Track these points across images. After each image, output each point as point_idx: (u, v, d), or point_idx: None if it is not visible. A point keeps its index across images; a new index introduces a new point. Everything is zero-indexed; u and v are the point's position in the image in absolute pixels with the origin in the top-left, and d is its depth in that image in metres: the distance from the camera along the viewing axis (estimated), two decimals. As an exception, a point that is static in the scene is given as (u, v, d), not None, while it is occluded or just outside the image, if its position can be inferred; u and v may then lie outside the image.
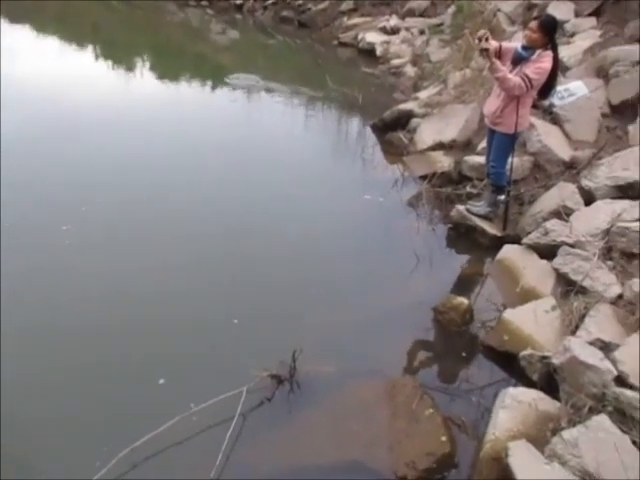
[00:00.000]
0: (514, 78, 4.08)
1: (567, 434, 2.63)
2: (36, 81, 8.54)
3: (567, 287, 3.73)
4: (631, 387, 2.85)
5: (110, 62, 10.71)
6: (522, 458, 2.58)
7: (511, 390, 2.98)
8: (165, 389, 3.13)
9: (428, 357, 3.63)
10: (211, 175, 5.84)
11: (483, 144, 5.46)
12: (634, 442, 2.58)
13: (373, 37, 11.69)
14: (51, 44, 11.87)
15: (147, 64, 10.89)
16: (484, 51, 3.99)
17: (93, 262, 4.21)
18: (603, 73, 5.84)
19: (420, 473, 2.73)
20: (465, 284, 4.35)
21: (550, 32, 4.04)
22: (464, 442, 2.95)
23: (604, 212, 4.06)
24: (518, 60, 4.17)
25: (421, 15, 11.72)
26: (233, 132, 7.13)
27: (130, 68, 10.38)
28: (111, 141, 6.48)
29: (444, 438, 2.88)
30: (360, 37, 11.97)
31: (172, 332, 3.59)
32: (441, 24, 10.56)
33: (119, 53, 11.56)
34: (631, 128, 5.07)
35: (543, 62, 4.06)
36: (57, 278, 4.02)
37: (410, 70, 9.67)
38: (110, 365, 3.29)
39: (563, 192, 4.48)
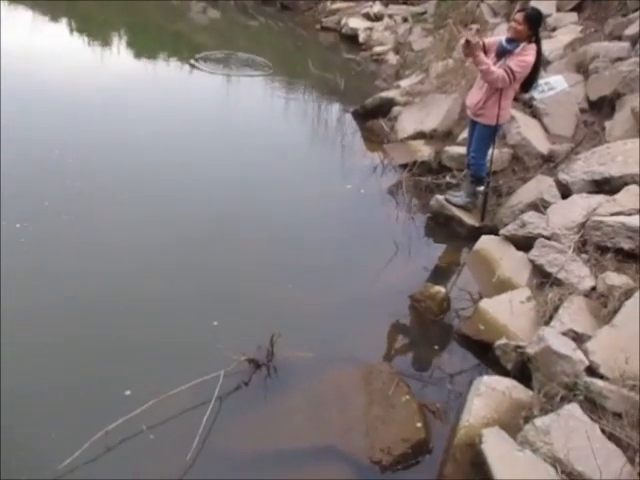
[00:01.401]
0: (498, 70, 4.10)
1: (539, 422, 2.68)
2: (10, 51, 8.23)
3: (542, 279, 3.79)
4: (601, 377, 2.92)
5: (85, 38, 10.39)
6: (495, 444, 2.63)
7: (486, 378, 3.03)
8: (140, 372, 3.10)
9: (405, 344, 3.66)
10: (185, 159, 5.72)
11: (464, 135, 5.48)
12: (603, 430, 2.65)
13: (356, 23, 11.59)
14: (26, 17, 11.45)
15: (123, 41, 10.60)
16: (467, 43, 3.98)
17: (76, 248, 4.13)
18: (583, 69, 5.92)
19: (395, 458, 2.77)
20: (442, 273, 4.39)
21: (535, 25, 4.07)
22: (439, 428, 2.99)
23: (580, 206, 4.13)
24: (502, 53, 4.18)
25: (405, 3, 11.66)
26: (208, 114, 7.02)
27: (106, 44, 10.09)
28: (81, 119, 6.32)
29: (419, 424, 2.92)
30: (343, 22, 11.86)
31: (149, 313, 3.55)
32: (424, 13, 10.53)
33: (95, 29, 11.21)
34: (608, 124, 5.15)
35: (527, 55, 4.08)
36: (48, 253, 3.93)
37: (392, 58, 9.64)
38: (86, 345, 3.24)
39: (541, 185, 4.54)
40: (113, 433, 2.64)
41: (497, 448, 2.61)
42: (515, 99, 4.75)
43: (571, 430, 2.61)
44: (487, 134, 4.43)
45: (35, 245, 4.05)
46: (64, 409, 2.86)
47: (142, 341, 3.33)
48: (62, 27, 10.95)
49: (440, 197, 4.92)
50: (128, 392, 2.95)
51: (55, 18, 11.28)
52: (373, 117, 6.90)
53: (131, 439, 2.69)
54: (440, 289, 3.84)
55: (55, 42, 9.73)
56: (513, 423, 2.83)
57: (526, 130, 5.30)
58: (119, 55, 9.55)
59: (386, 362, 3.41)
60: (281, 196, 5.19)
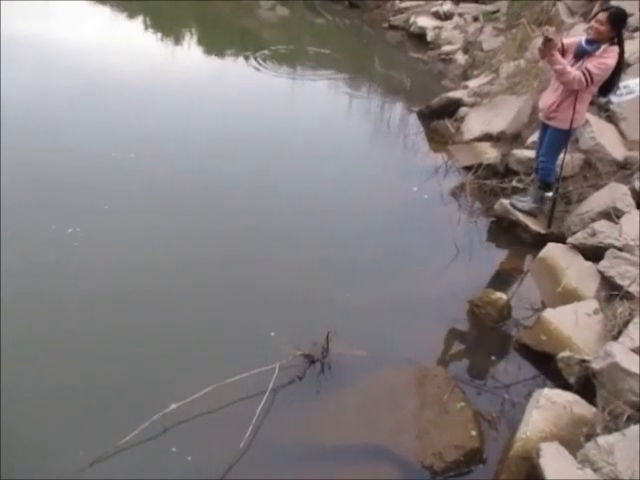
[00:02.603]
0: (574, 72, 3.93)
1: (602, 440, 2.56)
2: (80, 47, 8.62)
3: (612, 291, 3.62)
4: (673, 399, 2.76)
5: (158, 34, 10.74)
6: (554, 460, 2.53)
7: (546, 391, 2.92)
8: (200, 360, 3.19)
9: (461, 350, 3.59)
10: (247, 152, 5.81)
11: (533, 138, 5.32)
12: (672, 455, 2.50)
13: (425, 21, 11.40)
14: (104, 13, 11.96)
15: (194, 37, 10.88)
16: (548, 41, 3.83)
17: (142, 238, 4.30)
18: (666, 72, 5.59)
19: (447, 465, 2.72)
20: (504, 280, 4.27)
21: (619, 26, 3.87)
22: (493, 438, 2.92)
23: (657, 217, 3.91)
24: (581, 54, 4.01)
25: (476, 1, 11.34)
26: (270, 111, 7.07)
27: (177, 40, 10.40)
28: (147, 110, 6.54)
29: (474, 432, 2.85)
30: (411, 21, 11.69)
31: (210, 305, 3.64)
32: (496, 11, 10.22)
33: (167, 25, 11.56)
34: (691, 131, 4.85)
35: (608, 58, 3.89)
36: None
37: (461, 58, 9.42)
38: (145, 333, 3.37)
39: (614, 193, 4.33)
40: (171, 415, 2.73)
41: (555, 464, 2.51)
42: (590, 103, 4.54)
43: (637, 452, 2.48)
44: (559, 138, 4.27)
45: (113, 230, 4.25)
46: (128, 390, 2.98)
47: (202, 331, 3.42)
48: (137, 23, 11.36)
49: (505, 201, 4.78)
50: (189, 377, 3.03)
51: (132, 15, 11.71)
52: (438, 117, 6.78)
53: (187, 422, 2.77)
54: (501, 296, 3.73)
55: (130, 38, 10.11)
56: (573, 439, 2.72)
57: (600, 135, 5.06)
58: (189, 50, 9.82)
59: (441, 366, 3.35)
60: (340, 194, 5.19)
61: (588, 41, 3.99)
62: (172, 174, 5.15)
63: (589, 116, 5.05)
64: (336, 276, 4.04)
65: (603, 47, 3.92)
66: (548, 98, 4.27)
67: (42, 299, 3.55)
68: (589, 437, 2.66)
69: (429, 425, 2.91)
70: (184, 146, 5.76)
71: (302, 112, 7.31)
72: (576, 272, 3.93)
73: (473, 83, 7.44)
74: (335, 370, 3.23)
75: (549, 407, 2.84)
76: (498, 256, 4.56)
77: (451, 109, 6.76)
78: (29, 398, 2.88)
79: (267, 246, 4.28)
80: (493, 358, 3.49)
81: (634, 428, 2.58)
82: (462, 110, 6.63)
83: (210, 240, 4.28)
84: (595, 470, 2.48)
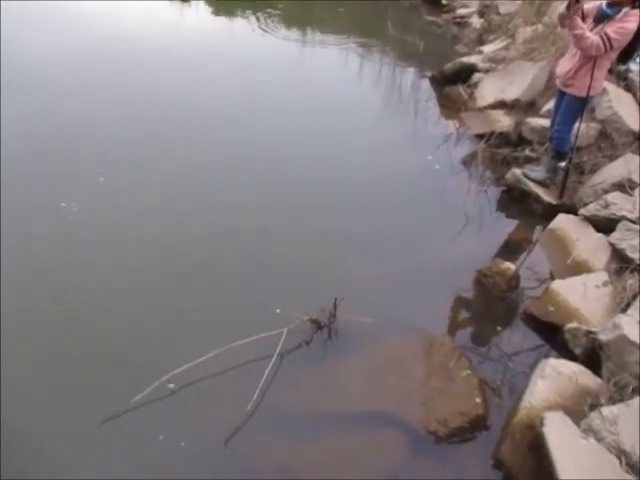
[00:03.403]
0: (592, 37, 3.82)
1: (606, 410, 2.58)
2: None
3: (622, 264, 3.59)
4: (679, 372, 2.76)
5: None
6: (557, 428, 2.56)
7: (552, 361, 2.94)
8: (210, 324, 3.22)
9: (468, 319, 3.60)
10: (254, 120, 5.71)
11: (548, 106, 5.21)
12: (676, 427, 2.52)
13: (440, -17, 11.05)
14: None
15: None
16: (576, 2, 3.70)
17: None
18: (689, 39, 5.41)
19: (451, 431, 2.76)
20: (513, 250, 4.24)
21: (641, -12, 3.74)
22: (498, 406, 2.95)
23: (672, 189, 3.85)
24: (601, 18, 3.88)
25: (493, -38, 10.99)
26: (280, 75, 6.95)
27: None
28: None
29: (478, 400, 2.88)
30: (426, -18, 11.35)
31: (221, 272, 3.66)
32: (514, -26, 9.89)
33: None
34: None
35: (628, 22, 3.77)
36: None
37: (476, 21, 9.16)
38: (159, 299, 3.39)
39: (629, 164, 4.25)
40: (180, 377, 2.77)
41: (559, 433, 2.54)
42: (609, 71, 4.42)
43: (641, 423, 2.50)
44: (575, 106, 4.17)
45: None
46: (139, 352, 3.03)
47: (211, 294, 3.45)
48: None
49: (517, 171, 4.72)
50: (198, 341, 3.05)
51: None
52: (451, 83, 6.65)
53: (196, 384, 2.82)
54: (510, 266, 3.71)
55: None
56: (577, 409, 2.74)
57: (618, 104, 4.95)
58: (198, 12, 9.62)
59: (448, 335, 3.36)
60: (349, 161, 5.13)
61: (609, 4, 3.86)
62: (175, 142, 5.10)
63: (607, 84, 4.93)
64: (345, 244, 4.03)
65: (624, 10, 3.79)
66: (565, 64, 4.16)
67: (56, 264, 3.58)
68: (593, 407, 2.68)
69: (435, 392, 2.94)
70: (186, 113, 5.68)
71: (311, 77, 7.17)
72: (587, 244, 3.90)
73: (488, 48, 7.27)
74: (342, 337, 3.25)
75: (554, 377, 2.85)
76: (508, 226, 4.52)
77: (465, 75, 6.61)
78: (45, 360, 2.93)
79: (277, 215, 4.26)
80: (500, 328, 3.50)
81: (638, 400, 2.60)
82: (476, 76, 6.49)
83: (221, 209, 4.27)
84: (598, 439, 2.51)
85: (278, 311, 3.28)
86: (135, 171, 4.60)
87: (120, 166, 4.61)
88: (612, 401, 2.70)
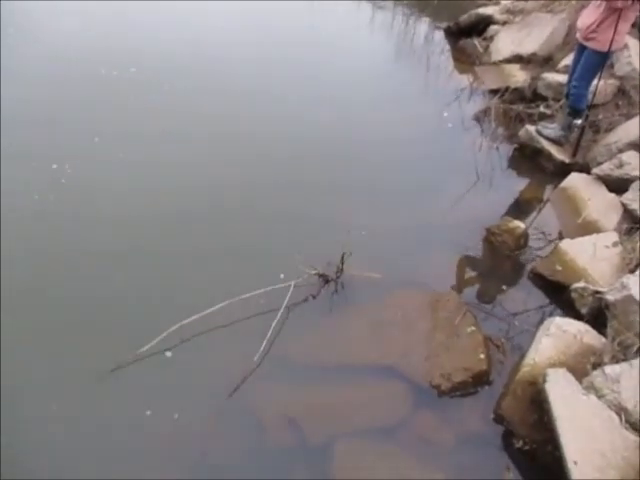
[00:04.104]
0: (619, -14, 3.65)
1: (609, 369, 2.61)
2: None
3: (633, 224, 3.56)
4: (685, 333, 2.77)
5: None
6: (559, 385, 2.59)
7: (557, 319, 2.94)
8: (218, 277, 3.24)
9: (475, 276, 3.60)
10: (262, 70, 5.60)
11: (566, 61, 5.05)
12: (678, 386, 2.55)
13: None
14: None
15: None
16: None
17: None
18: None
19: (454, 385, 2.80)
20: (522, 208, 4.20)
21: None
22: (501, 363, 2.98)
23: (689, 150, 3.77)
24: (628, -34, 3.70)
25: None
26: (288, 25, 6.74)
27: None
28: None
29: (482, 356, 2.91)
30: None
31: (229, 225, 3.66)
32: None
33: None
34: None
35: (656, -29, 3.60)
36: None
37: (494, -30, 8.80)
38: (166, 251, 3.40)
39: (646, 123, 4.15)
40: (188, 328, 2.80)
41: (561, 389, 2.57)
42: (632, 24, 4.25)
43: (643, 382, 2.52)
44: (595, 61, 4.04)
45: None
46: (147, 302, 3.06)
47: (220, 247, 3.46)
48: None
49: (531, 128, 4.62)
50: (206, 293, 3.08)
51: None
52: (466, 36, 6.44)
53: (204, 335, 2.86)
54: (519, 224, 3.69)
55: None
56: (580, 367, 2.77)
57: (638, 60, 4.79)
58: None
59: (454, 291, 3.37)
60: (359, 115, 5.04)
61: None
62: (181, 94, 5.01)
63: (628, 39, 4.75)
64: (354, 199, 4.01)
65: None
66: (588, 17, 4.00)
67: (68, 218, 3.59)
68: (596, 366, 2.71)
69: (439, 348, 2.97)
70: (188, 61, 5.55)
71: (320, 25, 6.94)
72: (598, 204, 3.85)
73: (506, -1, 6.99)
74: (349, 291, 3.27)
75: (559, 335, 2.87)
76: (519, 184, 4.46)
77: (480, 27, 6.39)
78: (58, 310, 2.97)
79: (287, 168, 4.23)
80: (506, 286, 3.50)
81: (642, 359, 2.62)
82: (492, 28, 6.27)
83: (229, 162, 4.23)
84: (599, 397, 2.54)
85: (282, 275, 3.24)
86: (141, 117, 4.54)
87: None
88: (615, 360, 2.72)
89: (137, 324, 2.91)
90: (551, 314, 3.23)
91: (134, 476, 2.33)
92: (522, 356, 2.92)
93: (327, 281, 3.25)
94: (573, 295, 3.20)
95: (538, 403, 2.62)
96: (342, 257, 3.23)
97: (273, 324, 2.91)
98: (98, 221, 3.55)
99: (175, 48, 5.68)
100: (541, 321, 3.15)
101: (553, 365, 2.75)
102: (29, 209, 3.56)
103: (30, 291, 3.04)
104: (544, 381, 2.62)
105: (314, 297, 3.20)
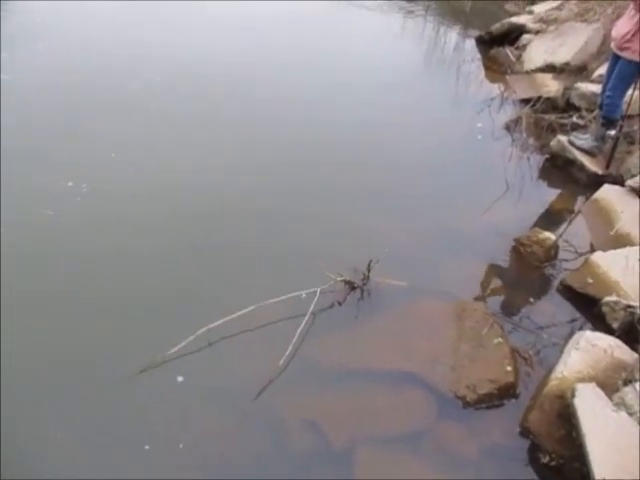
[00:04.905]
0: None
1: (641, 386, 2.55)
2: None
3: (668, 238, 3.48)
4: None
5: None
6: (588, 400, 2.54)
7: (588, 333, 2.89)
8: (246, 281, 3.27)
9: (503, 287, 3.56)
10: (290, 76, 5.68)
11: (600, 71, 4.99)
12: None
13: (491, -64, 10.51)
14: None
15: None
16: None
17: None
18: None
19: (480, 397, 2.77)
20: (553, 219, 4.15)
21: None
22: (528, 376, 2.94)
23: None
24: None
25: None
26: (319, 30, 6.80)
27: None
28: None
29: (509, 368, 2.87)
30: None
31: (257, 230, 3.69)
32: None
33: None
34: None
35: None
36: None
37: (528, -21, 8.73)
38: (194, 255, 3.45)
39: (683, 135, 4.06)
40: (216, 330, 2.84)
41: (590, 404, 2.52)
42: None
43: (676, 400, 2.46)
44: (630, 71, 3.98)
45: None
46: (177, 306, 3.10)
47: (249, 254, 3.49)
48: None
49: (563, 138, 4.56)
50: (234, 297, 3.10)
51: None
52: (498, 44, 6.43)
53: (231, 338, 2.88)
54: (550, 235, 3.64)
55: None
56: (610, 383, 2.70)
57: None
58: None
59: (481, 301, 3.34)
60: (389, 121, 5.05)
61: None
62: (203, 104, 5.04)
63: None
64: (382, 206, 4.01)
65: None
66: (623, 26, 3.94)
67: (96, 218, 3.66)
68: (627, 382, 2.64)
69: (465, 358, 2.94)
70: (211, 69, 5.62)
71: (351, 30, 6.99)
72: (631, 216, 3.77)
73: (539, 8, 6.95)
74: (374, 298, 3.27)
75: (589, 349, 2.81)
76: (549, 195, 4.41)
77: (513, 36, 6.38)
78: (91, 311, 3.02)
79: (316, 173, 4.26)
80: (535, 297, 3.45)
81: (676, 377, 2.55)
82: (525, 37, 6.24)
83: (259, 166, 4.27)
84: (630, 414, 2.48)
85: (308, 281, 3.21)
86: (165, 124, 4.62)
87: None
88: (647, 377, 2.65)
89: (166, 326, 2.95)
90: (581, 328, 3.17)
91: (156, 474, 2.36)
92: (550, 369, 2.87)
93: (353, 288, 3.25)
94: (604, 309, 3.14)
95: (566, 418, 2.58)
96: (368, 264, 3.23)
97: (299, 329, 2.92)
98: (123, 226, 3.59)
99: (201, 58, 5.78)
100: (570, 334, 3.09)
101: (582, 380, 2.70)
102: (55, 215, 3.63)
103: (61, 295, 3.09)
104: (573, 396, 2.57)
105: (340, 303, 3.20)
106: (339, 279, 3.20)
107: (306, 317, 2.99)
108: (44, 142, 4.21)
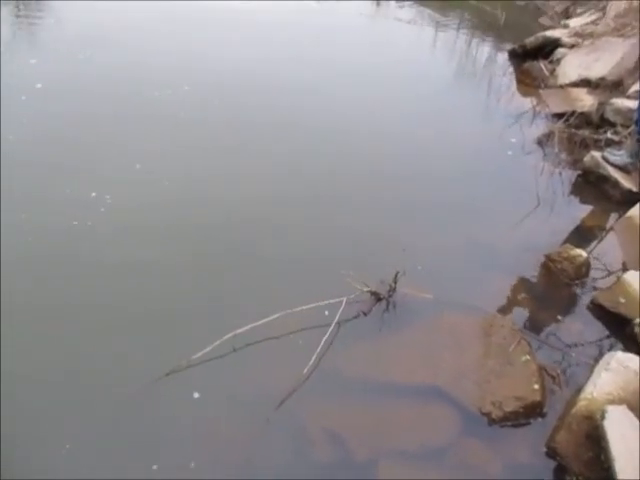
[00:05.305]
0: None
1: (674, 410, 2.48)
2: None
3: None
4: None
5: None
6: (619, 423, 2.48)
7: (619, 354, 2.82)
8: (271, 288, 3.29)
9: (531, 303, 3.50)
10: (319, 85, 5.71)
11: (636, 87, 4.92)
12: None
13: (526, -51, 10.45)
14: None
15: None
16: None
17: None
18: None
19: (505, 414, 2.72)
20: (584, 236, 4.07)
21: None
22: (556, 395, 2.88)
23: None
24: None
25: None
26: (348, 38, 6.82)
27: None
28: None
29: (536, 386, 2.82)
30: (511, -52, 10.75)
31: (284, 238, 3.70)
32: (610, -60, 9.21)
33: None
34: None
35: None
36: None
37: (564, -8, 8.64)
38: (221, 262, 3.47)
39: None
40: (241, 337, 2.85)
41: (620, 427, 2.46)
42: None
43: None
44: (668, 88, 3.90)
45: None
46: (203, 311, 3.13)
47: (274, 261, 3.50)
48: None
49: (596, 154, 4.49)
50: (259, 303, 3.12)
51: None
52: (532, 58, 6.38)
53: (255, 345, 2.90)
54: (581, 252, 3.57)
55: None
56: (640, 406, 2.64)
57: None
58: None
59: (509, 317, 3.29)
60: (417, 132, 5.04)
61: None
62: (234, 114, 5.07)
63: None
64: (410, 217, 4.00)
65: None
66: (662, 42, 3.87)
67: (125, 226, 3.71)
68: (659, 406, 2.58)
69: (491, 374, 2.90)
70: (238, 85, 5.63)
71: (383, 42, 7.01)
72: (667, 235, 3.69)
73: (575, 22, 6.88)
74: (400, 310, 3.25)
75: (620, 371, 2.75)
76: (581, 211, 4.34)
77: (547, 49, 6.32)
78: (119, 316, 3.06)
79: (344, 183, 4.26)
80: (564, 315, 3.39)
81: None
82: (559, 51, 6.18)
83: (288, 176, 4.30)
84: (662, 439, 2.41)
85: (334, 290, 3.19)
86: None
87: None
88: (681, 401, 2.58)
89: (193, 331, 2.98)
90: (611, 348, 3.11)
91: (176, 477, 2.38)
92: (578, 389, 2.81)
93: (379, 299, 3.24)
94: (636, 330, 3.07)
95: (595, 440, 2.52)
96: (395, 276, 3.22)
97: (324, 338, 2.92)
98: (149, 236, 3.60)
99: (233, 67, 5.87)
100: (600, 354, 3.03)
101: (612, 401, 2.64)
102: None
103: (87, 305, 3.11)
104: (602, 417, 2.51)
105: (365, 314, 3.19)
106: (365, 289, 3.19)
107: (331, 326, 2.99)
108: (71, 152, 4.25)
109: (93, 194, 3.80)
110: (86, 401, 2.62)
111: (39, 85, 5.03)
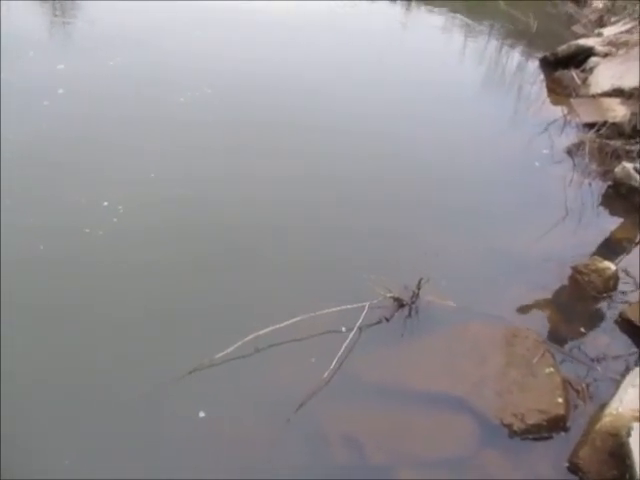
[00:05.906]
0: None
1: (703, 431, 2.41)
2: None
3: None
4: None
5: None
6: (645, 441, 2.42)
7: (647, 370, 2.77)
8: (296, 292, 3.31)
9: (557, 315, 3.44)
10: (359, 90, 5.73)
11: (672, 98, 4.79)
12: None
13: (560, -43, 10.32)
14: None
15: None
16: None
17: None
18: None
19: (527, 427, 2.68)
20: (613, 248, 4.00)
21: None
22: (580, 409, 2.83)
23: None
24: None
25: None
26: (378, 43, 6.80)
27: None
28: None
29: (560, 400, 2.78)
30: (545, -44, 10.63)
31: (310, 243, 3.72)
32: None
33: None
34: None
35: None
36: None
37: (598, 1, 8.52)
38: (247, 266, 3.48)
39: None
40: (263, 338, 2.87)
41: (646, 446, 2.41)
42: None
43: None
44: None
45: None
46: (227, 312, 3.15)
47: (300, 265, 3.52)
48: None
49: (628, 165, 4.41)
50: (283, 306, 3.13)
51: None
52: (564, 67, 6.28)
53: (278, 346, 2.91)
54: (610, 265, 3.51)
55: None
56: (668, 424, 2.57)
57: None
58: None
59: (533, 329, 3.24)
60: (445, 139, 5.01)
61: None
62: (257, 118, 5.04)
63: None
64: (436, 224, 3.99)
65: None
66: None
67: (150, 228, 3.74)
68: (687, 425, 2.51)
69: (513, 385, 2.86)
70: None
71: (414, 47, 6.99)
72: (699, 250, 3.59)
73: (609, 31, 6.76)
74: (423, 317, 3.23)
75: (647, 387, 2.69)
76: (610, 223, 4.26)
77: (580, 58, 6.22)
78: (148, 316, 3.10)
79: (370, 189, 4.26)
80: (590, 329, 3.33)
81: None
82: (592, 60, 6.08)
83: (314, 181, 4.31)
84: (690, 459, 2.35)
85: (357, 295, 3.18)
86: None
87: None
88: None
89: (216, 331, 3.00)
90: (637, 363, 3.04)
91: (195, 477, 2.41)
92: (603, 404, 2.76)
93: (402, 305, 3.22)
94: (665, 346, 2.99)
95: (619, 457, 2.46)
96: (419, 282, 3.20)
97: (345, 343, 2.91)
98: (167, 241, 3.61)
99: (258, 70, 5.87)
100: (626, 369, 2.97)
101: (638, 418, 2.58)
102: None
103: (106, 309, 3.13)
104: (628, 435, 2.46)
105: (387, 320, 3.18)
106: (388, 295, 3.18)
107: (353, 331, 2.99)
108: (89, 158, 4.26)
109: (105, 203, 3.78)
110: (117, 394, 2.67)
111: (61, 91, 5.06)
